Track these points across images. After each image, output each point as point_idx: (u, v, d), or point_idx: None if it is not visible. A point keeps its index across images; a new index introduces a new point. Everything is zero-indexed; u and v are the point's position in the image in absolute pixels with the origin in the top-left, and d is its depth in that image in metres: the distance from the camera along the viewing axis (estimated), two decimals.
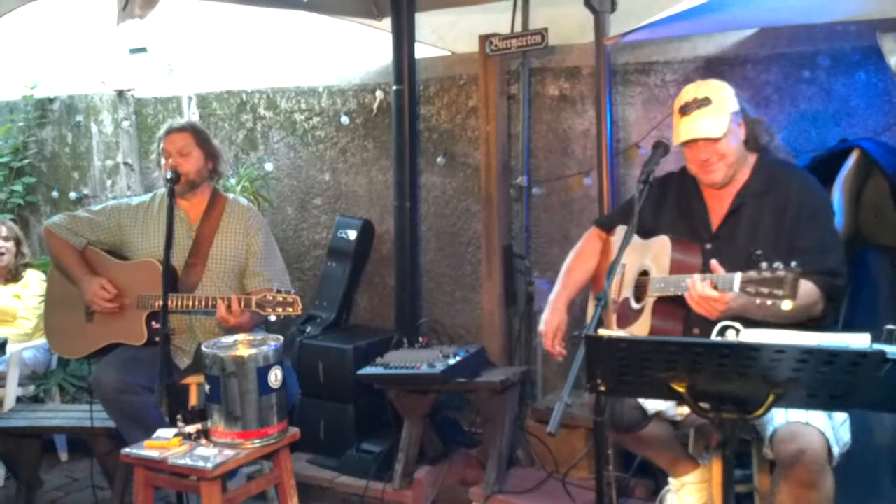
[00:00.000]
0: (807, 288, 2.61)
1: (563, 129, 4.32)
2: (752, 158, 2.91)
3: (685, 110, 2.83)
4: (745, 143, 2.89)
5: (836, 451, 2.52)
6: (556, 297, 3.20)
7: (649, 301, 2.90)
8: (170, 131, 3.78)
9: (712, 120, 2.79)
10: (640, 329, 2.93)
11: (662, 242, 2.93)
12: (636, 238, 3.06)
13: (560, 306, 3.18)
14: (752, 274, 2.38)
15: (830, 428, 2.53)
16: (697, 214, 2.97)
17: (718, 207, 2.93)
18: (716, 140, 2.80)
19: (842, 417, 2.61)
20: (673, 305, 2.81)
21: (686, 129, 2.82)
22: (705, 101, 2.80)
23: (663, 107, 4.00)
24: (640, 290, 2.99)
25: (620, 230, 3.19)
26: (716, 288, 2.55)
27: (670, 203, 3.06)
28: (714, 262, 2.60)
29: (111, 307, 3.65)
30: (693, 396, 2.11)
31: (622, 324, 3.04)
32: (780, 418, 2.54)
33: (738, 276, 2.44)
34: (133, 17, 3.50)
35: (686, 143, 2.85)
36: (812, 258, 2.67)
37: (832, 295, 2.73)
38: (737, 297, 2.50)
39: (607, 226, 3.30)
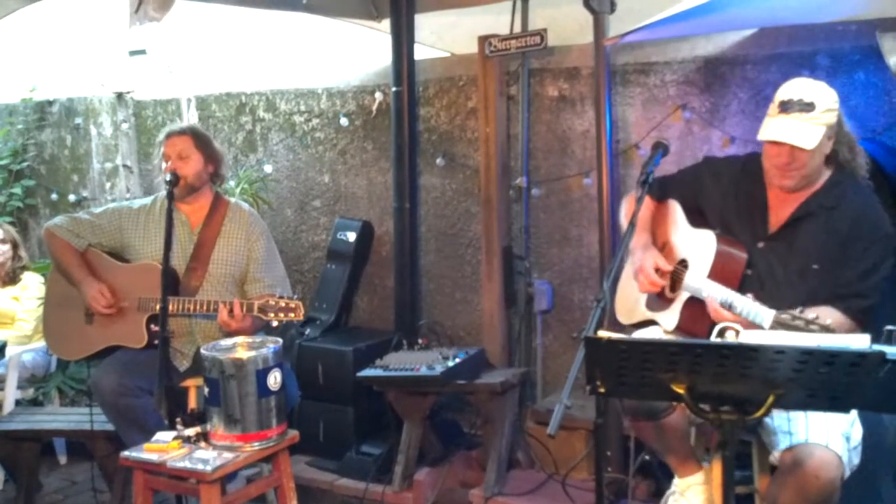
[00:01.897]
0: (836, 324, 2.58)
1: (562, 130, 4.31)
2: (827, 172, 2.82)
3: (786, 107, 2.68)
4: (826, 158, 2.78)
5: (846, 473, 2.52)
6: (636, 239, 3.04)
7: (682, 296, 2.88)
8: (170, 135, 3.78)
9: (809, 129, 2.66)
10: (668, 319, 2.91)
11: (707, 237, 2.88)
12: (684, 222, 3.02)
13: (645, 243, 3.04)
14: (786, 318, 2.39)
15: (847, 451, 2.52)
16: (757, 208, 2.88)
17: (779, 208, 2.84)
18: (804, 150, 2.68)
19: (856, 441, 2.59)
20: (704, 307, 2.79)
21: (779, 128, 2.68)
22: (809, 107, 2.65)
23: (663, 107, 4.00)
24: (675, 279, 2.96)
25: (674, 204, 3.11)
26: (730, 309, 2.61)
27: (730, 188, 2.96)
28: (750, 296, 2.60)
29: (108, 312, 3.65)
30: (693, 397, 2.11)
31: (651, 305, 3.02)
32: (800, 434, 2.52)
33: (770, 315, 2.46)
34: (148, 20, 3.49)
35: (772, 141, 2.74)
36: (850, 280, 2.68)
37: (862, 318, 2.67)
38: None
39: (658, 193, 3.16)
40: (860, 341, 2.09)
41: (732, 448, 2.15)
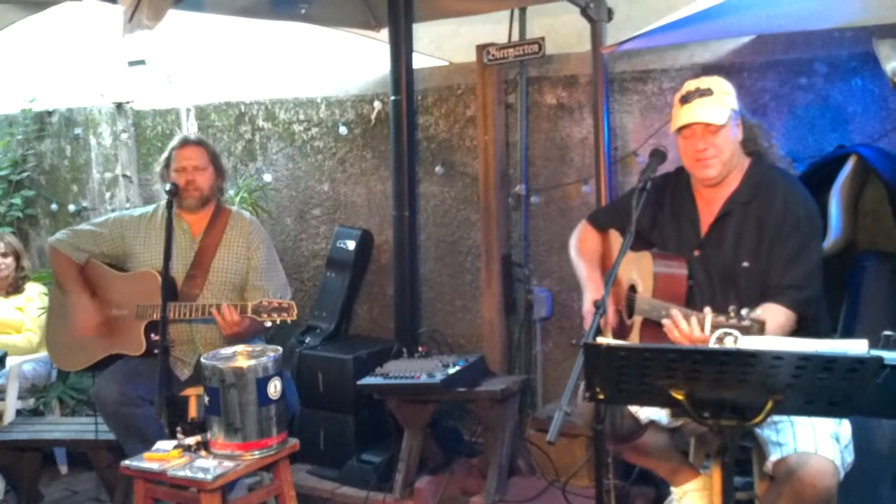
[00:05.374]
0: (776, 318, 2.57)
1: (560, 138, 4.32)
2: (745, 163, 2.88)
3: (686, 99, 2.80)
4: (743, 145, 2.86)
5: (841, 474, 2.50)
6: (589, 275, 3.10)
7: (637, 320, 2.89)
8: (185, 143, 3.82)
9: (713, 108, 2.75)
10: None
11: (646, 257, 2.90)
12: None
13: (597, 277, 3.09)
14: (721, 319, 2.37)
15: (839, 453, 2.50)
16: (688, 218, 2.94)
17: (708, 212, 2.89)
18: (714, 129, 2.75)
19: (846, 439, 2.57)
20: (660, 327, 2.80)
21: (686, 114, 2.78)
22: (707, 92, 2.77)
23: (661, 114, 4.00)
24: (630, 306, 2.98)
25: (614, 234, 3.18)
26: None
27: (664, 205, 3.01)
28: (707, 309, 2.48)
29: (89, 334, 3.71)
30: (692, 404, 2.11)
31: (617, 336, 3.03)
32: (789, 444, 2.51)
33: (708, 318, 2.42)
34: (141, 29, 3.50)
35: (683, 130, 2.80)
36: (778, 271, 2.68)
37: (804, 310, 2.67)
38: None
39: (599, 225, 3.26)
40: (858, 346, 2.09)
41: (732, 454, 2.15)
